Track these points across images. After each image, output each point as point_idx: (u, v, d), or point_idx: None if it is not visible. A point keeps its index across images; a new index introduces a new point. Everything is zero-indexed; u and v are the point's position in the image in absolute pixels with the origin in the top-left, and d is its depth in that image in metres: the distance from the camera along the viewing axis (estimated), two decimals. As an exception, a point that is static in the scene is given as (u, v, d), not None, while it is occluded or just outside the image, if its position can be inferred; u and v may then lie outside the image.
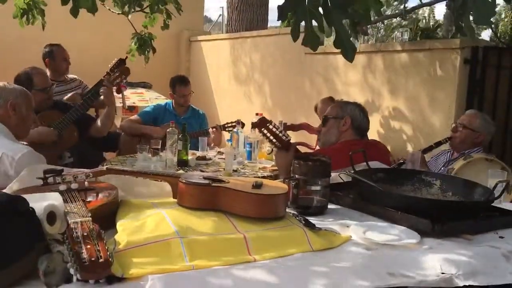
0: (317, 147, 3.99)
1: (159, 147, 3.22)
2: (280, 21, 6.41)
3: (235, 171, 3.13)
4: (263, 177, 2.95)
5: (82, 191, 1.34)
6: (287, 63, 5.22)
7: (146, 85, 6.16)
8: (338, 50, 1.72)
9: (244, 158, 3.45)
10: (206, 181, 1.39)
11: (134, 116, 4.22)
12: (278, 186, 1.47)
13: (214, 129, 3.90)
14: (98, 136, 3.33)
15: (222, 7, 15.27)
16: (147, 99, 5.70)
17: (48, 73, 3.82)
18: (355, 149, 1.84)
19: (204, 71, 6.71)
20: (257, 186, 1.39)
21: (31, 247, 1.01)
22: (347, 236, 1.34)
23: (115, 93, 3.36)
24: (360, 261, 1.19)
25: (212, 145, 3.84)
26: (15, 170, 1.94)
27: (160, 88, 5.84)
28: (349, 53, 1.71)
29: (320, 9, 1.71)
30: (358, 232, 1.36)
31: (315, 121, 4.29)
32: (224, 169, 3.11)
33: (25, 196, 1.10)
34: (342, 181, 1.81)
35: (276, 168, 3.14)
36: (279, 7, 1.69)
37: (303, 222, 1.36)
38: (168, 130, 3.20)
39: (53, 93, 3.34)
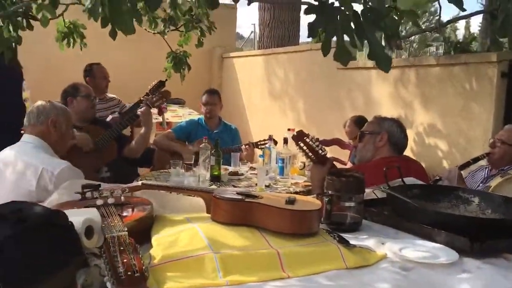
0: (349, 163, 3.95)
1: (192, 162, 3.26)
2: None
3: (267, 186, 3.14)
4: (296, 192, 2.94)
5: (118, 205, 1.36)
6: (319, 78, 5.21)
7: (179, 102, 6.27)
8: (371, 65, 1.73)
9: (276, 173, 3.45)
10: (240, 197, 1.40)
11: (168, 131, 4.30)
12: (312, 202, 1.45)
13: (247, 146, 3.93)
14: (131, 157, 3.38)
15: (254, 24, 15.42)
16: (181, 115, 5.82)
17: (89, 91, 3.95)
18: (390, 165, 1.81)
19: (236, 87, 6.78)
20: (290, 201, 1.38)
21: (69, 260, 1.04)
22: (383, 254, 1.31)
23: (156, 115, 3.41)
24: (395, 283, 1.14)
25: (245, 160, 3.87)
26: (55, 185, 2.00)
27: (193, 104, 5.94)
28: (384, 64, 1.68)
29: (352, 24, 1.70)
30: (394, 249, 1.33)
31: (348, 136, 4.28)
32: (256, 184, 3.11)
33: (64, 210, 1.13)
34: (376, 197, 1.78)
35: (308, 183, 3.13)
36: (309, 24, 1.69)
37: (337, 238, 1.34)
38: (201, 145, 3.24)
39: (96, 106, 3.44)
